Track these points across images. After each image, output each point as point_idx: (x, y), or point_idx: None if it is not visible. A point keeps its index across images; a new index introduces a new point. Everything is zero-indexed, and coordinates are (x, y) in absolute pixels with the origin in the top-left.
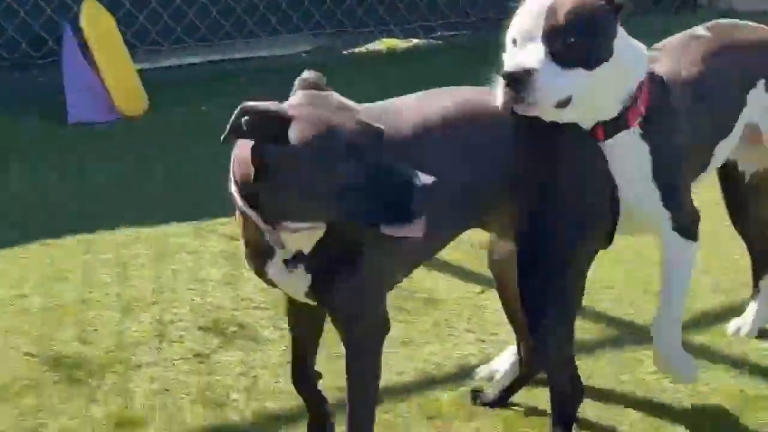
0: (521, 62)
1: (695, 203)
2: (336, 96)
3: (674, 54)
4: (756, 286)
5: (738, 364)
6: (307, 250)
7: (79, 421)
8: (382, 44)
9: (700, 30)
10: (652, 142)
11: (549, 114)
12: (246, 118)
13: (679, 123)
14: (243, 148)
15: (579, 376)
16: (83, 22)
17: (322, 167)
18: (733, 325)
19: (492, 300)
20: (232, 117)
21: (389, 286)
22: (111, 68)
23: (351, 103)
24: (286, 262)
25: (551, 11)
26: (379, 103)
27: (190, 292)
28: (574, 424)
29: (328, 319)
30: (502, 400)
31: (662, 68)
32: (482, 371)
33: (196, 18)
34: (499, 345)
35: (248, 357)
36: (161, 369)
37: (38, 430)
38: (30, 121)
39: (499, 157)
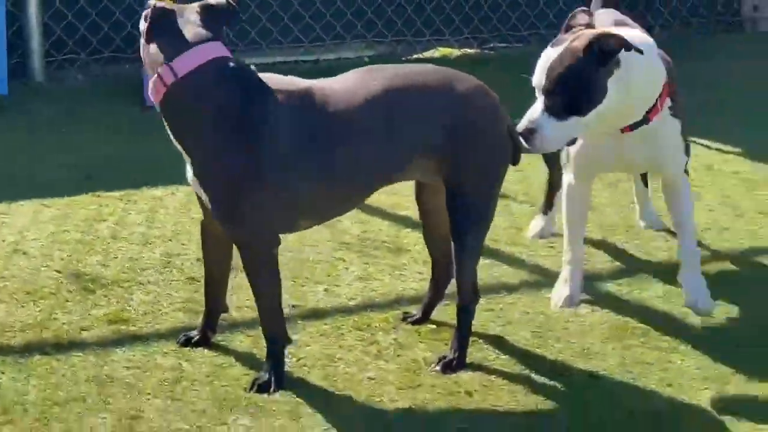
0: (526, 120)
1: None
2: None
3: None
4: None
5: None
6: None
7: (81, 317)
8: (437, 52)
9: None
10: (678, 116)
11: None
12: None
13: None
14: None
15: (477, 284)
16: None
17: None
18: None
19: None
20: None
21: (286, 224)
22: None
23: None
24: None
25: (550, 69)
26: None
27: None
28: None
29: None
30: (424, 318)
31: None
32: None
33: (269, 22)
34: None
35: (232, 280)
36: (159, 287)
37: (49, 319)
38: (115, 104)
39: (422, 121)
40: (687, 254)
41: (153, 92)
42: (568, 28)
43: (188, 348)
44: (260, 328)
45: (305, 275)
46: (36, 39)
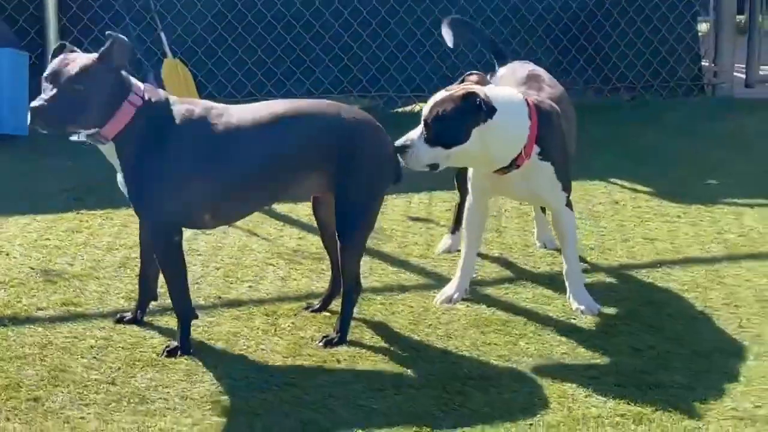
0: (405, 138)
1: None
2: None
3: (532, 87)
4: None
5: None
6: (114, 162)
7: (40, 300)
8: (417, 107)
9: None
10: (549, 159)
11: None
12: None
13: (562, 137)
14: None
15: (359, 276)
16: (163, 73)
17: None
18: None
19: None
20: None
21: (191, 219)
22: None
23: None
24: None
25: (433, 106)
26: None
27: None
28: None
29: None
30: (322, 308)
31: (538, 98)
32: None
33: (264, 77)
34: None
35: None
36: (110, 281)
37: (13, 301)
38: None
39: (310, 142)
40: (571, 273)
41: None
42: (462, 81)
43: (122, 325)
44: None
45: (237, 276)
46: None
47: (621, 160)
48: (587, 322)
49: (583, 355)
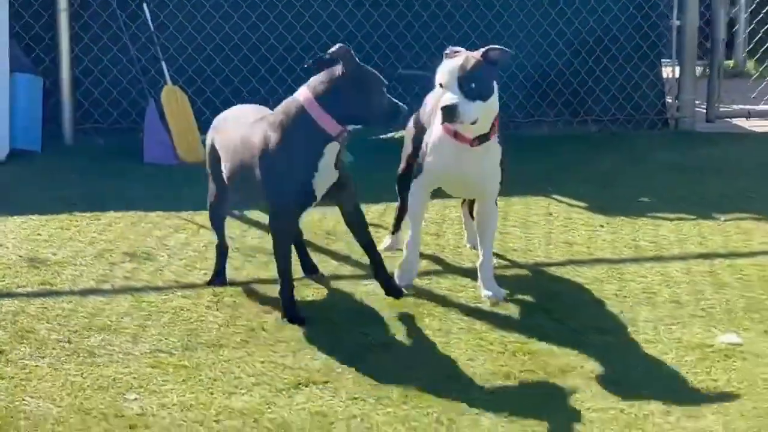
0: (448, 99)
1: None
2: None
3: None
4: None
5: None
6: None
7: (21, 280)
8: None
9: None
10: (501, 144)
11: (468, 128)
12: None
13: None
14: None
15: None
16: (163, 99)
17: None
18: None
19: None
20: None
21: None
22: (178, 130)
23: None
24: None
25: (461, 68)
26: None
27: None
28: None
29: None
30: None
31: None
32: None
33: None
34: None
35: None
36: (86, 267)
37: None
38: (120, 160)
39: (248, 154)
40: (484, 264)
41: None
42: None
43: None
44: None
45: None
46: (67, 111)
47: (569, 181)
48: (492, 306)
49: (476, 330)
